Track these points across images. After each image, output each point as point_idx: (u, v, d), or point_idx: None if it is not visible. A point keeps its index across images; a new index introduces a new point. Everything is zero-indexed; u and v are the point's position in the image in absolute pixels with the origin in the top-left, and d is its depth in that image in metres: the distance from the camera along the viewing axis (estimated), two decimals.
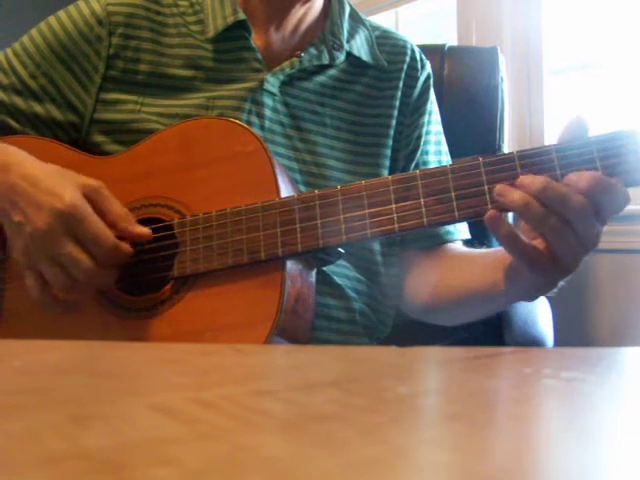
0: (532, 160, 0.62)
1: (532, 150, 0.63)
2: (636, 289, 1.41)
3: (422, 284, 0.85)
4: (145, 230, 0.69)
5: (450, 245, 0.87)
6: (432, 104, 0.90)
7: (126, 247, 0.67)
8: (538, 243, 0.62)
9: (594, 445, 0.21)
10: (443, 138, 0.92)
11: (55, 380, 0.31)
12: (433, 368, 0.37)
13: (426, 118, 0.88)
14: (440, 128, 0.92)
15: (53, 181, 0.66)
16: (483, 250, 0.82)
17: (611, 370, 0.36)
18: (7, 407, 0.25)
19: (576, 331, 1.49)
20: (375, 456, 0.19)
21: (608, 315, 1.46)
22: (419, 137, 0.87)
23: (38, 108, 0.81)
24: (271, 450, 0.19)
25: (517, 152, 0.63)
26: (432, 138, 0.89)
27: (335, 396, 0.26)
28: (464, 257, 0.84)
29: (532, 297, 0.72)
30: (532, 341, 1.03)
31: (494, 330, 1.13)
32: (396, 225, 0.64)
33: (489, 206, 0.62)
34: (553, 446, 0.21)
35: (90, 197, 0.67)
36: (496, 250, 0.75)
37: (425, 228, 0.65)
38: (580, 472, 0.18)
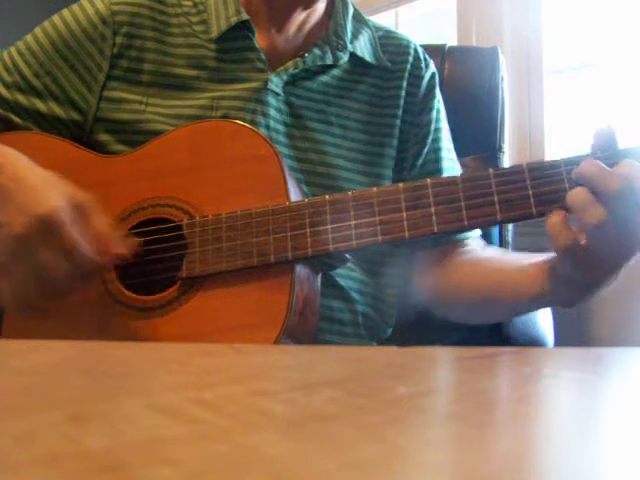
0: (541, 173, 0.63)
1: (542, 163, 0.64)
2: (636, 289, 1.41)
3: (445, 282, 0.84)
4: (123, 252, 0.67)
5: (473, 245, 0.87)
6: (439, 102, 0.90)
7: (103, 260, 0.65)
8: (581, 240, 0.62)
9: (594, 445, 0.21)
10: (450, 135, 0.92)
11: (55, 380, 0.31)
12: (433, 368, 0.37)
13: (434, 115, 0.88)
14: (447, 125, 0.92)
15: (41, 186, 0.64)
16: (515, 254, 0.82)
17: (611, 370, 0.36)
18: (7, 407, 0.25)
19: (576, 331, 1.49)
20: (375, 456, 0.19)
21: (608, 315, 1.46)
22: (427, 135, 0.87)
23: (41, 106, 0.81)
24: (271, 450, 0.19)
25: (527, 164, 0.64)
26: (443, 135, 0.89)
27: (335, 396, 0.26)
28: (495, 259, 0.83)
29: (574, 301, 0.71)
30: (532, 341, 1.03)
31: (494, 330, 1.12)
32: (407, 232, 0.65)
33: (498, 216, 0.63)
34: (553, 446, 0.21)
35: (75, 209, 0.65)
36: (532, 255, 0.75)
37: (435, 235, 0.66)
38: (580, 472, 0.18)
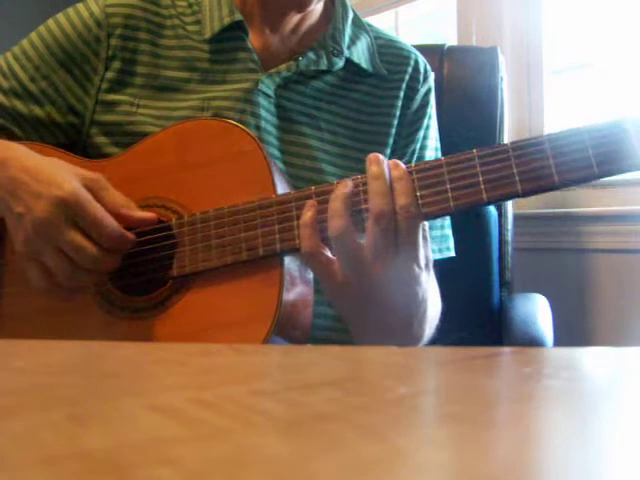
0: (526, 151, 0.63)
1: (525, 141, 0.63)
2: (636, 289, 1.41)
3: None
4: (148, 214, 0.70)
5: None
6: (430, 119, 0.89)
7: (128, 233, 0.68)
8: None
9: (594, 445, 0.21)
10: (440, 154, 0.90)
11: (55, 380, 0.31)
12: (433, 368, 0.37)
13: (422, 133, 0.87)
14: (437, 143, 0.91)
15: (53, 171, 0.67)
16: None
17: (611, 370, 0.36)
18: (7, 407, 0.25)
19: (576, 331, 1.49)
20: (375, 456, 0.19)
21: (608, 315, 1.47)
22: (413, 152, 0.86)
23: (38, 111, 0.81)
24: (271, 450, 0.19)
25: (511, 143, 0.63)
26: (428, 153, 0.88)
27: (335, 396, 0.26)
28: None
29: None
30: (532, 341, 1.03)
31: (494, 330, 1.13)
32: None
33: (484, 195, 0.63)
34: (553, 446, 0.21)
35: (90, 188, 0.68)
36: None
37: (422, 221, 0.65)
38: (580, 472, 0.18)
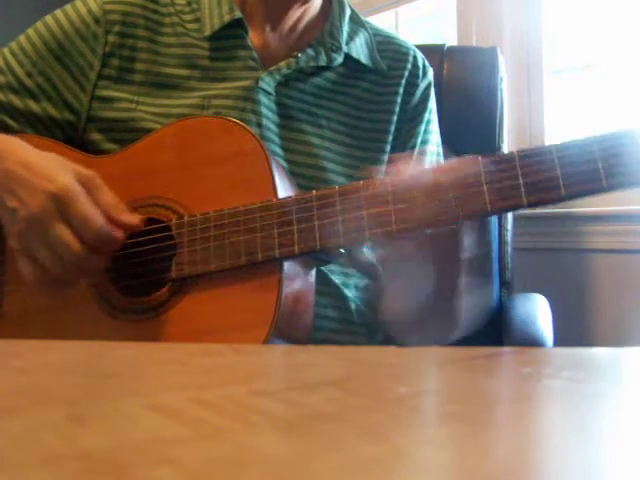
0: (533, 160, 0.62)
1: (533, 150, 0.63)
2: (636, 289, 1.41)
3: None
4: (134, 219, 0.68)
5: None
6: (431, 113, 0.89)
7: (117, 233, 0.66)
8: None
9: (594, 445, 0.21)
10: (441, 149, 0.90)
11: (55, 380, 0.31)
12: (433, 368, 0.37)
13: (422, 127, 0.87)
14: (438, 138, 0.91)
15: (48, 165, 0.67)
16: None
17: (611, 370, 0.36)
18: (7, 407, 0.25)
19: (576, 331, 1.50)
20: (375, 456, 0.19)
21: (608, 315, 1.47)
22: (413, 147, 0.86)
23: (35, 106, 0.81)
24: (271, 450, 0.19)
25: (517, 152, 0.63)
26: (429, 148, 0.88)
27: (335, 396, 0.26)
28: None
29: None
30: (532, 341, 1.03)
31: (494, 330, 1.13)
32: (394, 226, 0.64)
33: (488, 205, 0.62)
34: (553, 446, 0.21)
35: (84, 184, 0.67)
36: None
37: (424, 229, 0.65)
38: (580, 472, 0.18)
